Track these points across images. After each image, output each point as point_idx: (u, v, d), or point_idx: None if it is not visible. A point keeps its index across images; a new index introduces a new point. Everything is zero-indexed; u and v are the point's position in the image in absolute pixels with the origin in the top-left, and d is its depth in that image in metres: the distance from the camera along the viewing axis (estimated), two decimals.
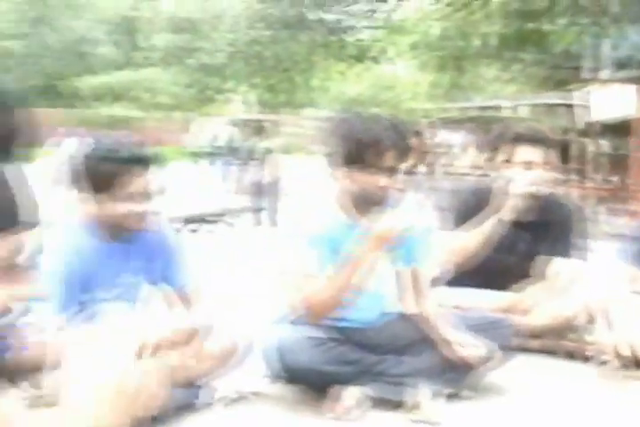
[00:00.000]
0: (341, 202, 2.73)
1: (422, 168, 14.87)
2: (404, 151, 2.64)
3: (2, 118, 0.74)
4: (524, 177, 3.35)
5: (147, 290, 2.62)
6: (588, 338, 3.23)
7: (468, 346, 2.65)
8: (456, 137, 19.90)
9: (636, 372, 3.00)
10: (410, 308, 2.87)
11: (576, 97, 11.82)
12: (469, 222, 3.40)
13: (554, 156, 3.43)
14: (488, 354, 2.65)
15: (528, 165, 3.37)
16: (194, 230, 8.94)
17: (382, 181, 2.61)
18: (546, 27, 6.33)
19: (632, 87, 7.11)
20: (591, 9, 6.02)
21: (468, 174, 14.62)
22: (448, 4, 7.90)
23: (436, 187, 13.52)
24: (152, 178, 2.48)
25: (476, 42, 7.17)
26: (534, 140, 3.37)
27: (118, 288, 2.53)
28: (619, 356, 2.94)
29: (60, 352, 2.16)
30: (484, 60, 8.88)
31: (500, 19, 6.73)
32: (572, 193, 9.90)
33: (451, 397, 2.67)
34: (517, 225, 3.42)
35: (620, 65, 5.99)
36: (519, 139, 3.39)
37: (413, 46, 7.94)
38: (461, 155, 18.51)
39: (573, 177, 10.57)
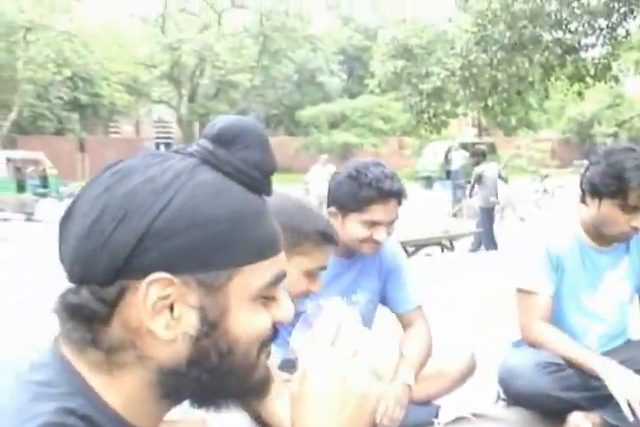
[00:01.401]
0: (582, 226, 2.73)
1: None
2: None
3: (263, 155, 0.81)
4: None
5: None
6: None
7: None
8: None
9: None
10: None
11: None
12: None
13: None
14: None
15: None
16: (414, 253, 9.08)
17: (636, 221, 2.58)
18: None
19: None
20: None
21: None
22: None
23: None
24: (398, 209, 2.48)
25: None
26: None
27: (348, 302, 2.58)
28: None
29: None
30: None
31: None
32: None
33: None
34: None
35: None
36: None
37: None
38: None
39: None
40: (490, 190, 10.61)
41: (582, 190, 2.69)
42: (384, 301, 2.70)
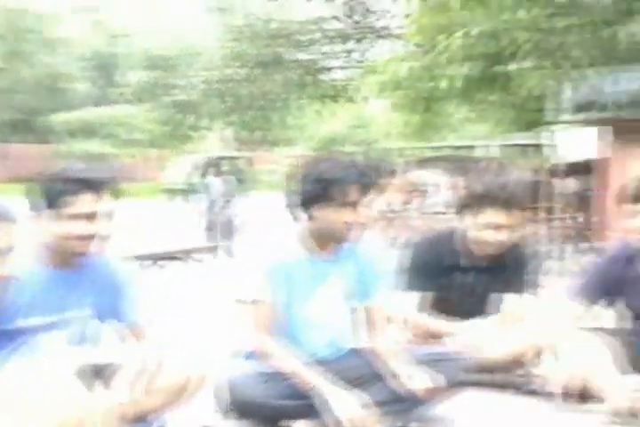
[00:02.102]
0: (303, 237, 2.82)
1: (398, 207, 15.03)
2: (366, 186, 2.73)
3: None
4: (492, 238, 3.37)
5: (97, 325, 2.62)
6: (535, 372, 3.30)
7: (417, 380, 2.70)
8: (431, 176, 20.16)
9: (580, 405, 3.07)
10: (363, 343, 2.93)
11: (544, 138, 12.07)
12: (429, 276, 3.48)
13: (520, 217, 3.37)
14: (436, 387, 2.70)
15: (494, 226, 3.34)
16: (161, 266, 8.96)
17: (346, 216, 2.70)
18: (510, 69, 6.48)
19: (593, 129, 7.30)
20: (553, 53, 6.19)
21: (442, 213, 14.79)
22: (416, 46, 8.12)
23: (411, 226, 13.64)
24: (101, 202, 2.42)
25: (443, 83, 7.32)
26: (502, 203, 3.30)
27: (62, 320, 2.50)
28: (564, 389, 3.01)
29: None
30: (453, 101, 9.04)
31: (466, 61, 6.87)
32: (540, 232, 10.05)
33: None
34: (476, 269, 3.52)
35: (581, 108, 6.16)
36: (487, 201, 3.33)
37: (383, 86, 8.09)
38: (436, 194, 18.74)
39: (543, 216, 10.70)
40: (215, 203, 10.80)
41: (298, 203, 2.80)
42: (108, 315, 2.65)
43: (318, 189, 2.70)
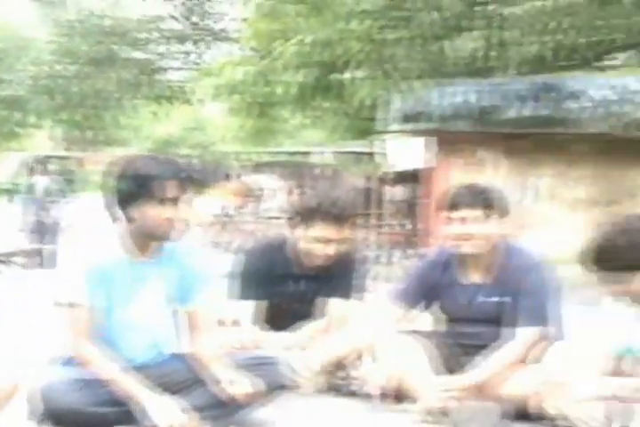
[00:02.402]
0: (122, 239, 2.74)
1: (233, 211, 15.00)
2: (185, 182, 2.69)
3: None
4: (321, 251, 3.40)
5: None
6: (354, 374, 3.38)
7: (237, 384, 2.69)
8: (266, 181, 20.29)
9: (396, 405, 3.18)
10: (184, 347, 2.89)
11: (376, 147, 12.45)
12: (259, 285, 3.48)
13: (349, 232, 3.42)
14: (257, 391, 2.70)
15: (324, 240, 3.37)
16: None
17: (167, 212, 2.64)
18: (344, 78, 6.62)
19: (420, 140, 7.61)
20: (384, 64, 6.38)
21: (277, 218, 14.92)
22: (253, 50, 8.14)
23: (245, 230, 13.66)
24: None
25: (279, 89, 7.38)
26: (333, 218, 3.33)
27: None
28: (381, 390, 3.10)
29: None
30: (289, 107, 9.14)
31: (301, 68, 6.96)
32: (370, 238, 10.34)
33: None
34: (306, 277, 3.56)
35: (409, 118, 6.39)
36: (318, 216, 3.35)
37: (218, 89, 8.06)
38: (271, 199, 18.87)
39: (373, 222, 11.00)
40: (40, 204, 10.40)
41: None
42: None
43: (135, 186, 2.64)
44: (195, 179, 2.78)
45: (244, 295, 3.54)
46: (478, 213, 3.22)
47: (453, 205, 3.27)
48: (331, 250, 3.38)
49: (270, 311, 3.56)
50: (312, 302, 3.59)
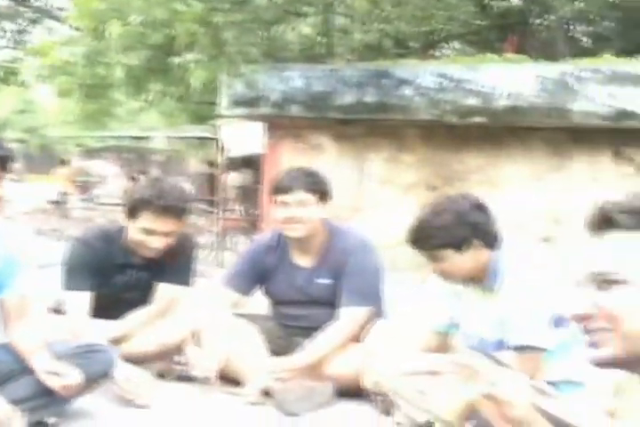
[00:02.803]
0: None
1: (67, 197, 14.48)
2: None
3: None
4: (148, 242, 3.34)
5: None
6: (182, 359, 3.36)
7: (59, 374, 2.61)
8: (101, 166, 19.72)
9: (228, 388, 3.19)
10: (3, 337, 2.77)
11: (216, 131, 12.35)
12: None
13: (177, 225, 3.35)
14: (76, 381, 2.62)
15: (149, 232, 3.31)
16: None
17: None
18: (179, 61, 6.48)
19: (258, 125, 7.62)
20: (220, 47, 6.31)
21: (111, 204, 14.52)
22: (80, 30, 7.84)
23: (79, 217, 13.21)
24: None
25: (108, 71, 7.16)
26: (159, 209, 3.27)
27: None
28: (214, 373, 3.12)
29: None
30: (122, 90, 8.87)
31: (132, 50, 6.77)
32: (213, 224, 10.28)
33: (38, 424, 2.63)
34: (139, 266, 3.49)
35: (245, 103, 6.37)
36: (144, 207, 3.29)
37: (45, 70, 7.71)
38: (105, 184, 18.35)
39: (214, 208, 10.94)
40: None
41: None
42: None
43: None
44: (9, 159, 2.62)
45: (73, 284, 3.43)
46: (301, 196, 3.28)
47: (278, 190, 3.33)
48: (158, 243, 3.32)
49: (105, 301, 3.47)
50: (147, 290, 3.53)
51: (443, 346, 2.95)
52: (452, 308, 2.89)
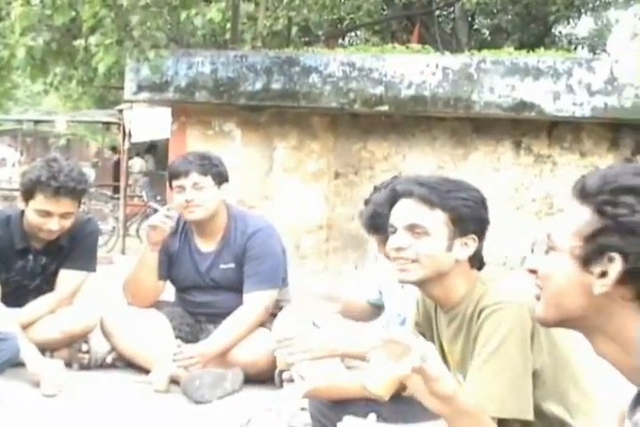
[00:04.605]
0: None
1: None
2: None
3: None
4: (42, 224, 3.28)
5: None
6: (84, 347, 3.34)
7: None
8: (5, 150, 19.09)
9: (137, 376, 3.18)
10: None
11: (121, 116, 12.09)
12: None
13: (71, 206, 3.28)
14: None
15: (44, 214, 3.24)
16: None
17: None
18: (84, 44, 6.32)
19: (165, 110, 7.53)
20: (126, 30, 6.20)
21: (9, 190, 14.07)
22: None
23: None
24: None
25: (18, 53, 6.92)
26: (51, 190, 3.19)
27: None
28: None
29: None
30: (22, 73, 8.59)
31: (31, 31, 6.57)
32: (116, 210, 10.10)
33: None
34: (38, 251, 3.43)
35: (150, 88, 6.29)
36: (38, 187, 3.22)
37: None
38: (10, 169, 17.76)
39: (118, 194, 10.74)
40: None
41: None
42: None
43: None
44: None
45: None
46: (195, 179, 3.31)
47: (174, 174, 3.35)
48: (54, 224, 3.27)
49: (6, 288, 3.39)
50: (49, 277, 3.47)
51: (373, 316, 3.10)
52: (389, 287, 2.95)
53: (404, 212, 1.92)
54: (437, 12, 11.81)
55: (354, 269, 5.94)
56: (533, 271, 1.22)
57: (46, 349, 3.29)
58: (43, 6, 5.72)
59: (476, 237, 1.93)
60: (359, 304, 3.12)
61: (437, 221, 1.89)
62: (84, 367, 3.32)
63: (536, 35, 12.64)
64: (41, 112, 19.56)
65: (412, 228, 1.89)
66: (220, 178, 3.40)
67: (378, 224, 2.59)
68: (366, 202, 2.79)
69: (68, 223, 3.30)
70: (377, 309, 3.11)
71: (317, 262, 6.37)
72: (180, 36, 8.06)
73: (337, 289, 4.16)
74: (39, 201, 3.24)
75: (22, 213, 3.38)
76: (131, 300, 3.46)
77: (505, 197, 5.80)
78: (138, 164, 14.35)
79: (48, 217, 3.25)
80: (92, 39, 6.11)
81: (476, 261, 1.98)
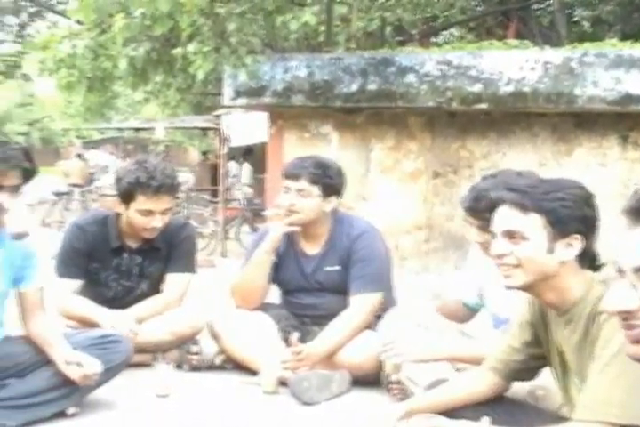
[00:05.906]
0: None
1: (69, 189, 14.47)
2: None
3: None
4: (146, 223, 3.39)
5: None
6: (195, 349, 3.40)
7: (77, 364, 2.64)
8: (102, 157, 19.71)
9: (245, 377, 3.22)
10: (19, 329, 2.80)
11: (223, 122, 12.32)
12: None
13: (169, 203, 3.41)
14: (96, 371, 2.65)
15: (145, 213, 3.36)
16: None
17: None
18: (181, 52, 6.47)
19: (262, 115, 7.61)
20: (223, 38, 6.31)
21: (113, 195, 14.51)
22: (80, 23, 7.82)
23: (80, 208, 13.23)
24: None
25: (110, 63, 7.16)
26: (151, 190, 3.32)
27: None
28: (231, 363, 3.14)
29: None
30: (123, 82, 8.86)
31: (133, 42, 6.76)
32: (216, 213, 10.29)
33: (57, 415, 2.67)
34: (135, 251, 3.52)
35: (247, 93, 6.37)
36: (137, 189, 3.33)
37: (45, 64, 7.71)
38: (106, 175, 18.33)
39: (219, 198, 10.93)
40: None
41: None
42: None
43: None
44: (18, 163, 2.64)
45: (65, 272, 3.48)
46: (303, 186, 3.30)
47: (286, 174, 3.38)
48: (158, 222, 3.36)
49: (109, 291, 3.51)
50: (144, 277, 3.56)
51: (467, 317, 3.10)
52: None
53: (500, 218, 1.95)
54: (534, 6, 11.55)
55: (454, 270, 5.86)
56: None
57: (157, 350, 3.37)
58: (143, 17, 5.88)
59: (580, 237, 1.89)
60: (455, 306, 3.09)
61: (533, 224, 1.88)
62: (194, 369, 3.39)
63: (638, 25, 12.19)
64: (141, 120, 20.12)
65: (509, 234, 1.91)
66: (330, 190, 3.37)
67: (480, 207, 2.57)
68: (472, 188, 2.76)
69: (167, 219, 3.40)
70: (472, 311, 3.09)
71: (417, 263, 6.31)
72: (274, 41, 8.13)
73: (439, 290, 4.12)
74: (141, 202, 3.34)
75: (117, 213, 3.49)
76: (240, 302, 3.49)
77: (613, 194, 5.61)
78: (234, 168, 14.59)
79: (151, 215, 3.36)
80: (190, 47, 6.24)
81: (587, 261, 1.93)
